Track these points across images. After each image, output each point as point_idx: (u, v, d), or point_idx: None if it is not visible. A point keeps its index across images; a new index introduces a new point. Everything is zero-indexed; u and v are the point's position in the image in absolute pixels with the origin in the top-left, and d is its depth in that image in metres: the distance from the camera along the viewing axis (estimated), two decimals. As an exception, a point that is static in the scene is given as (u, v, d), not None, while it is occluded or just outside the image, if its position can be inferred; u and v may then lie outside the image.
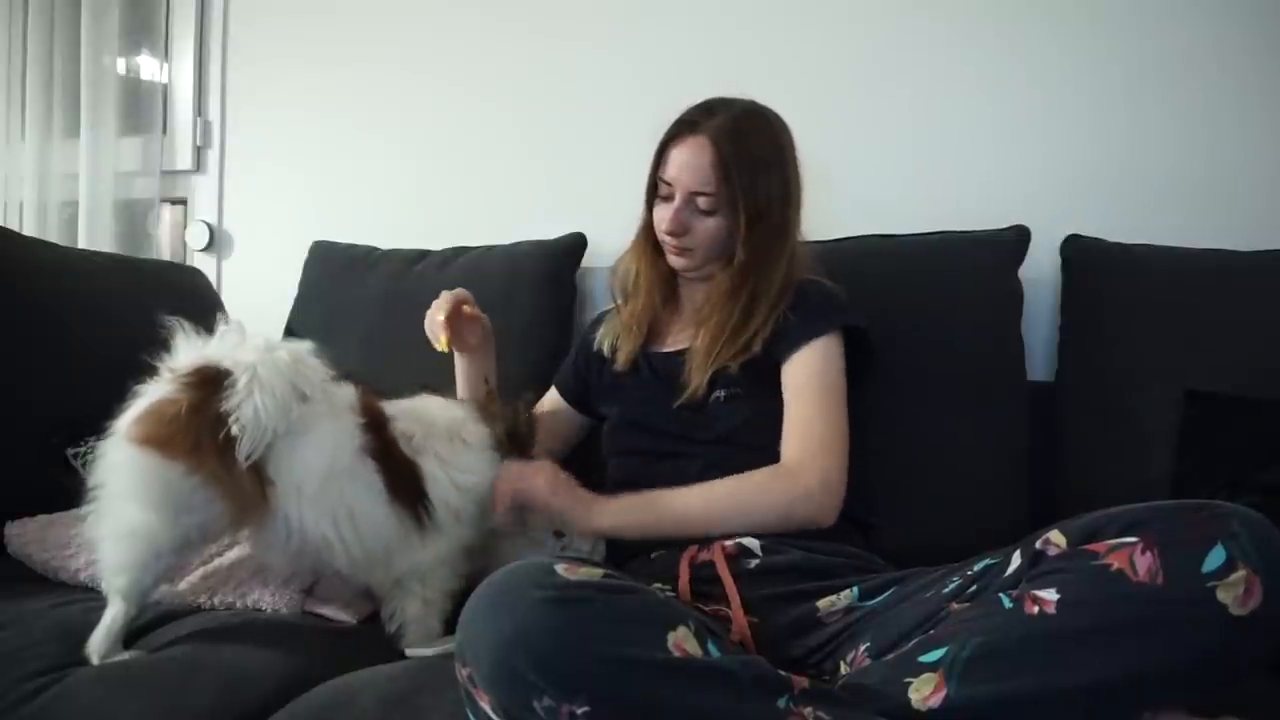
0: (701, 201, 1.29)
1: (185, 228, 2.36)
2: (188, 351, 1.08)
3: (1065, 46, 1.69)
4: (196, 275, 2.05)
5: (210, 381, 1.03)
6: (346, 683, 1.02)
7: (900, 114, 1.76)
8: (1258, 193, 1.57)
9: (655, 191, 1.35)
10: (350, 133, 2.19)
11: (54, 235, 2.33)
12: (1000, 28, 1.72)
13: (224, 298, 2.07)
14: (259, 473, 1.04)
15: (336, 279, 1.95)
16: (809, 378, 1.25)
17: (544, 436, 1.40)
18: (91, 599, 1.24)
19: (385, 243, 1.98)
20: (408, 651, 1.14)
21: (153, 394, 1.06)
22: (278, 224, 2.26)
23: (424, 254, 1.91)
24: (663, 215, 1.32)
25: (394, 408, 1.19)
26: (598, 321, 1.51)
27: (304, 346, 1.11)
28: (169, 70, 2.37)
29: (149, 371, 1.10)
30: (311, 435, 1.07)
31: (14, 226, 2.20)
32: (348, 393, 1.13)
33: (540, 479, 1.20)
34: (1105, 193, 1.65)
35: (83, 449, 1.57)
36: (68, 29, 2.37)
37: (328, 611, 1.25)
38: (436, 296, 1.80)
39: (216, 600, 1.26)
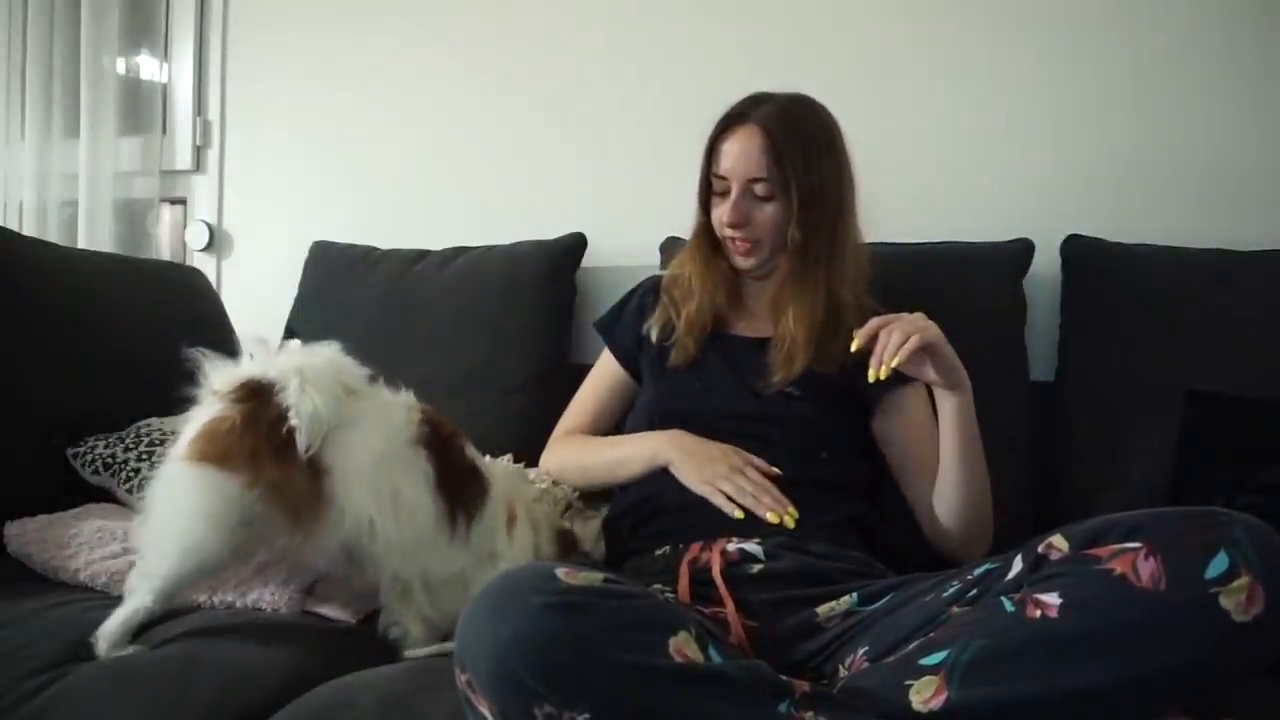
0: (758, 188, 1.28)
1: (185, 228, 2.36)
2: (224, 373, 1.12)
3: (1066, 48, 1.69)
4: (196, 275, 2.05)
5: (257, 393, 1.08)
6: (346, 683, 1.02)
7: (901, 115, 1.76)
8: (1258, 193, 1.57)
9: (710, 190, 1.34)
10: (350, 133, 2.19)
11: (54, 235, 2.33)
12: (1001, 31, 1.72)
13: (224, 298, 2.06)
14: (316, 464, 1.08)
15: (336, 279, 1.95)
16: (925, 411, 1.29)
17: (609, 421, 1.46)
18: (91, 598, 1.24)
19: (385, 243, 1.98)
20: (406, 653, 1.14)
21: (202, 415, 1.10)
22: (278, 224, 2.26)
23: (424, 254, 1.91)
24: (722, 210, 1.31)
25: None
26: (654, 292, 1.46)
27: (334, 348, 1.16)
28: (169, 70, 2.36)
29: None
30: (366, 422, 1.12)
31: (14, 226, 2.20)
32: (403, 395, 1.19)
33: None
34: (1105, 193, 1.65)
35: (82, 449, 1.57)
36: (68, 29, 2.36)
37: (328, 611, 1.25)
38: (436, 296, 1.81)
39: (216, 599, 1.26)
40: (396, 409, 1.16)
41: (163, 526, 1.10)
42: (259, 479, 1.06)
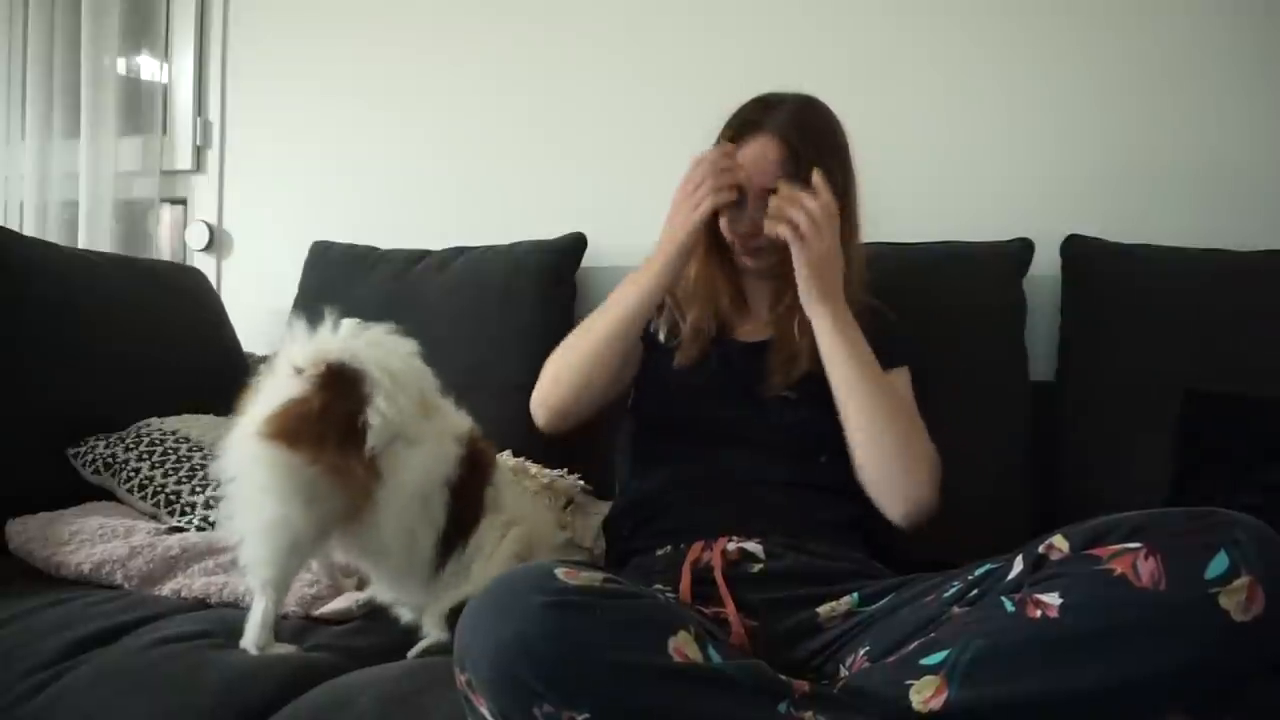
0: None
1: (185, 228, 2.36)
2: (307, 345, 1.11)
3: (1066, 48, 1.69)
4: (196, 275, 2.05)
5: (342, 381, 1.08)
6: (346, 683, 1.02)
7: (901, 115, 1.76)
8: (1258, 193, 1.58)
9: None
10: (350, 133, 2.19)
11: (54, 235, 2.33)
12: (1002, 32, 1.73)
13: (224, 298, 2.07)
14: (374, 466, 1.08)
15: (336, 279, 1.95)
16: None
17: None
18: (93, 595, 1.24)
19: (385, 243, 1.98)
20: (409, 653, 1.14)
21: (281, 391, 1.09)
22: (278, 224, 2.26)
23: (424, 254, 1.91)
24: (734, 218, 1.30)
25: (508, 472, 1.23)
26: None
27: (413, 349, 1.15)
28: (169, 70, 2.36)
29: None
30: (422, 448, 1.12)
31: (14, 226, 2.19)
32: (465, 423, 1.19)
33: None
34: (1105, 193, 1.65)
35: (82, 449, 1.57)
36: (68, 29, 2.37)
37: (330, 612, 1.25)
38: (436, 296, 1.81)
39: (217, 599, 1.26)
40: (449, 442, 1.15)
41: (244, 508, 1.11)
42: (319, 459, 1.06)
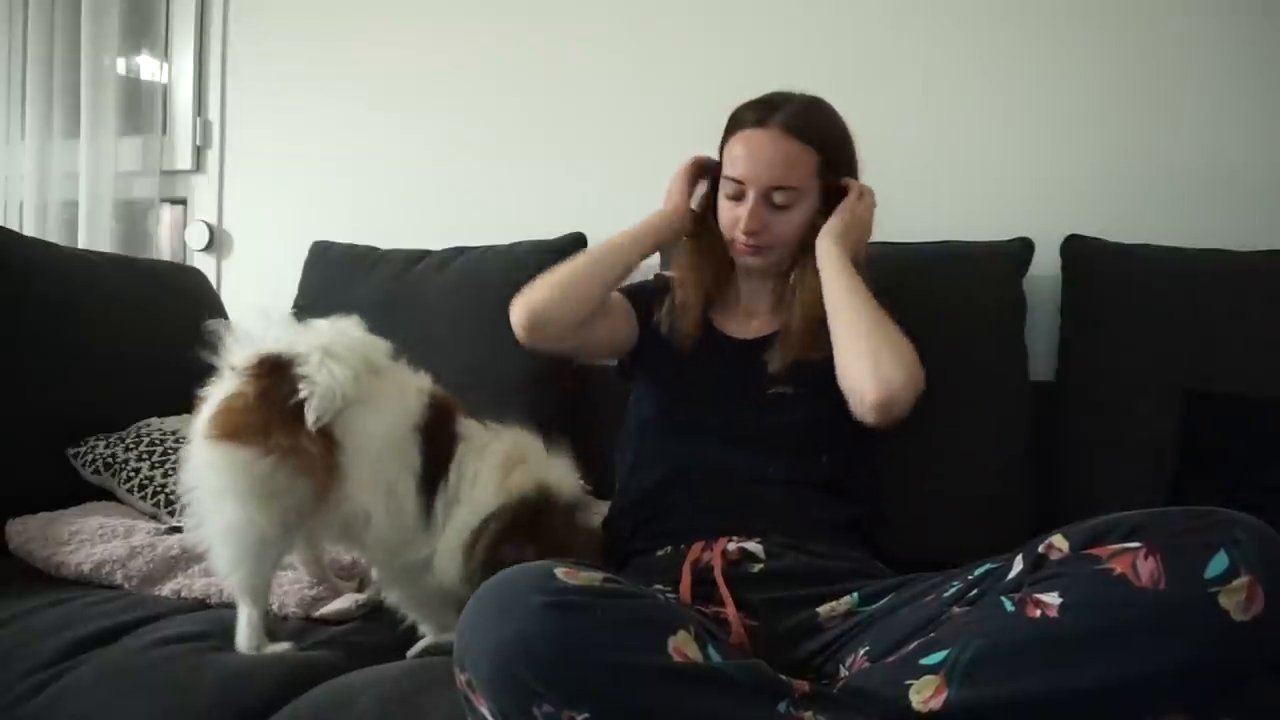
0: (778, 196, 1.27)
1: (185, 228, 2.36)
2: (245, 348, 1.12)
3: (1066, 48, 1.69)
4: (196, 275, 2.05)
5: (274, 369, 1.09)
6: (346, 682, 1.02)
7: (901, 115, 1.76)
8: (1258, 193, 1.57)
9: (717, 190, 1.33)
10: (350, 133, 2.19)
11: (54, 235, 2.33)
12: (1002, 32, 1.72)
13: (224, 298, 2.07)
14: (329, 436, 1.08)
15: (336, 279, 1.95)
16: None
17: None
18: (93, 595, 1.24)
19: (385, 243, 1.98)
20: (408, 653, 1.14)
21: (219, 392, 1.11)
22: (278, 224, 2.26)
23: (424, 254, 1.91)
24: (735, 215, 1.29)
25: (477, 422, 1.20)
26: (663, 290, 1.44)
27: (357, 324, 1.16)
28: (169, 70, 2.36)
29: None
30: (380, 404, 1.12)
31: (14, 226, 2.19)
32: (424, 379, 1.19)
33: None
34: (1105, 193, 1.65)
35: (82, 449, 1.57)
36: (68, 29, 2.36)
37: (330, 612, 1.25)
38: (436, 296, 1.81)
39: (217, 600, 1.26)
40: (411, 393, 1.15)
41: (204, 514, 1.11)
42: (269, 448, 1.06)
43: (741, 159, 1.28)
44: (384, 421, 1.12)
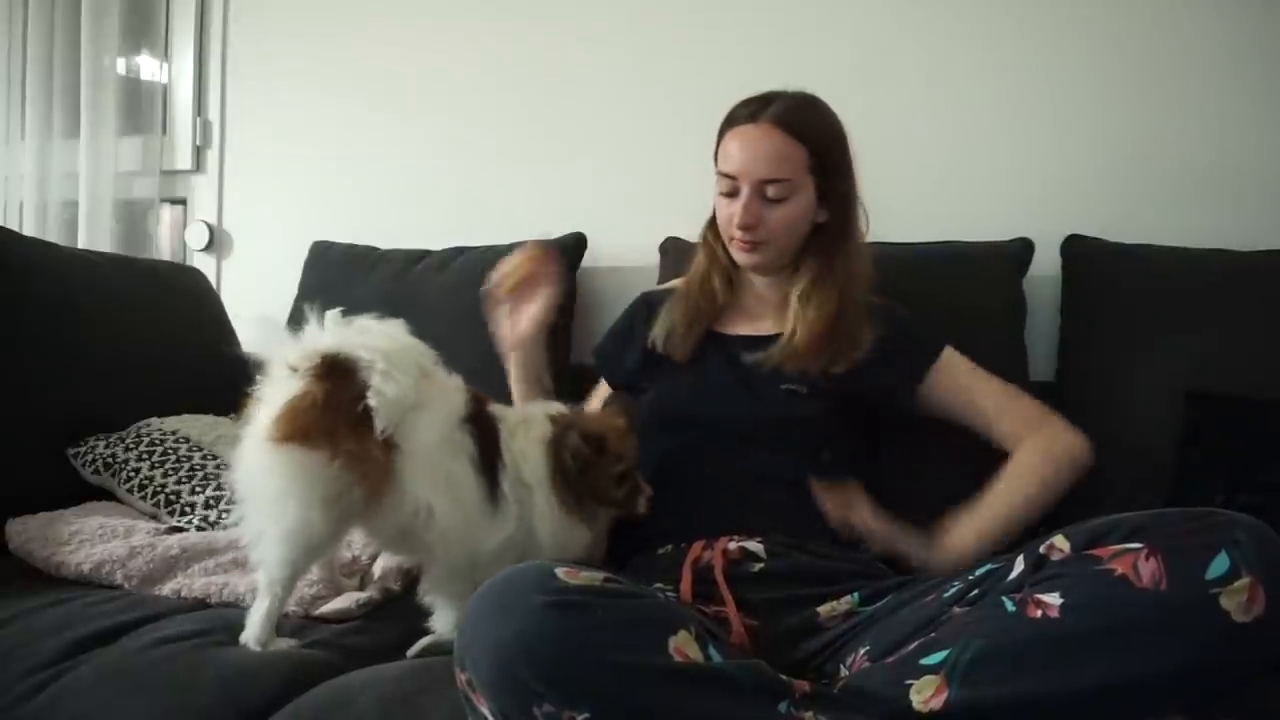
0: (771, 190, 1.26)
1: (185, 228, 2.36)
2: (300, 346, 1.11)
3: (1067, 48, 1.69)
4: (196, 275, 2.05)
5: (336, 369, 1.08)
6: (346, 682, 1.02)
7: (901, 115, 1.76)
8: (1258, 193, 1.57)
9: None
10: (350, 133, 2.19)
11: (54, 235, 2.33)
12: (1002, 31, 1.73)
13: (224, 298, 2.07)
14: (388, 440, 1.08)
15: (336, 279, 1.95)
16: (969, 372, 1.33)
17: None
18: (92, 595, 1.24)
19: (385, 243, 1.98)
20: (409, 652, 1.14)
21: (281, 392, 1.08)
22: (278, 224, 2.26)
23: (424, 254, 1.91)
24: (730, 210, 1.29)
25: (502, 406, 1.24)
26: (646, 305, 1.46)
27: (404, 329, 1.16)
28: (169, 70, 2.36)
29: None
30: (431, 405, 1.13)
31: (14, 226, 2.19)
32: (456, 378, 1.20)
33: (865, 511, 1.23)
34: (1106, 193, 1.65)
35: (82, 449, 1.57)
36: (68, 29, 2.36)
37: (330, 611, 1.25)
38: (436, 296, 1.81)
39: (217, 599, 1.26)
40: (454, 392, 1.17)
41: (261, 514, 1.10)
42: (337, 452, 1.06)
43: (733, 154, 1.28)
44: (437, 419, 1.13)
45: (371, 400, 1.06)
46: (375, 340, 1.10)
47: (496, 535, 1.13)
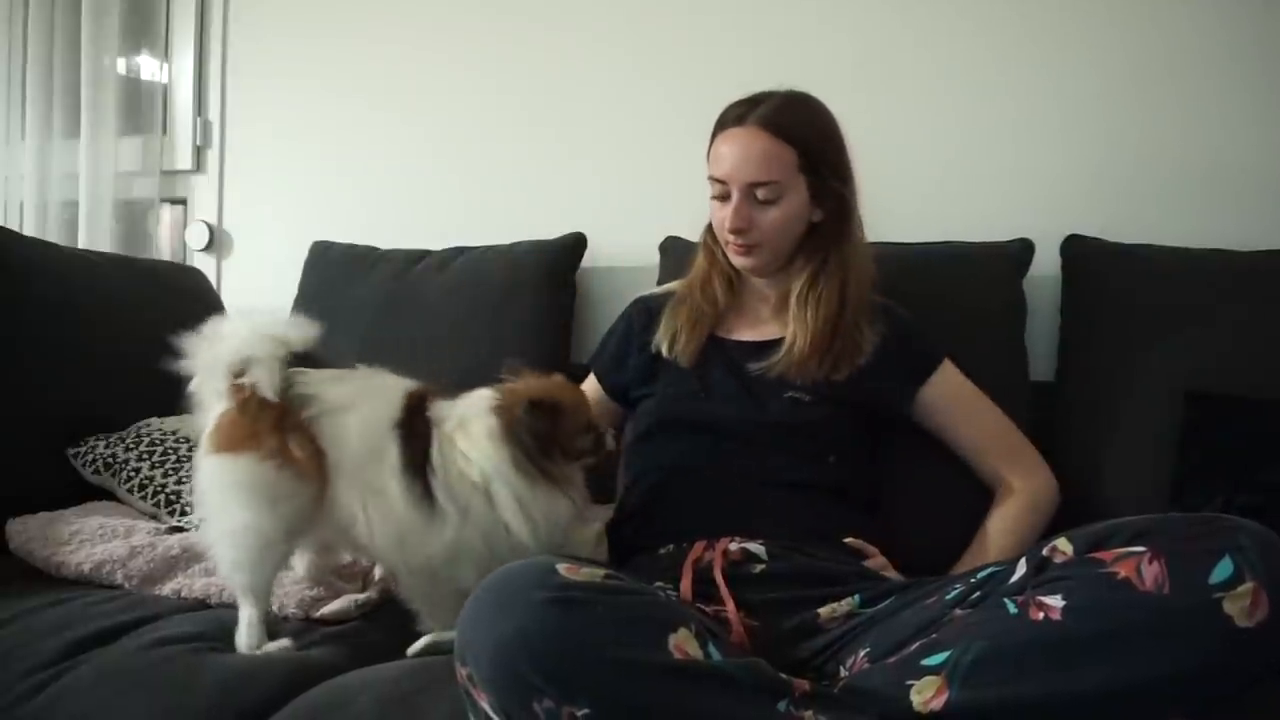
0: (760, 192, 1.26)
1: (185, 228, 2.36)
2: (205, 365, 1.19)
3: (1067, 47, 1.69)
4: (196, 275, 2.05)
5: (239, 380, 1.15)
6: (346, 682, 1.02)
7: (902, 115, 1.76)
8: (1259, 193, 1.57)
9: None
10: (350, 133, 2.19)
11: (54, 235, 2.33)
12: (1003, 31, 1.72)
13: (224, 298, 2.07)
14: (314, 442, 1.13)
15: (336, 279, 1.95)
16: (964, 394, 1.34)
17: None
18: (93, 595, 1.24)
19: (385, 243, 1.98)
20: (409, 651, 1.14)
21: (212, 410, 1.19)
22: (278, 224, 2.26)
23: (424, 254, 1.91)
24: (722, 215, 1.29)
25: (440, 399, 1.21)
26: (644, 311, 1.45)
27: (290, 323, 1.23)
28: (169, 70, 2.36)
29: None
30: (357, 409, 1.16)
31: (14, 226, 2.19)
32: (403, 380, 1.21)
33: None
34: (1106, 193, 1.65)
35: (82, 449, 1.57)
36: (68, 29, 2.36)
37: (330, 612, 1.25)
38: (436, 296, 1.81)
39: (217, 600, 1.26)
40: (390, 393, 1.18)
41: (211, 522, 1.17)
42: (263, 452, 1.12)
43: (722, 158, 1.28)
44: (366, 425, 1.15)
45: (247, 381, 1.13)
46: (246, 346, 1.16)
47: (434, 542, 1.12)
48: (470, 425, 1.15)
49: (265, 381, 1.13)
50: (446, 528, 1.12)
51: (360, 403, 1.16)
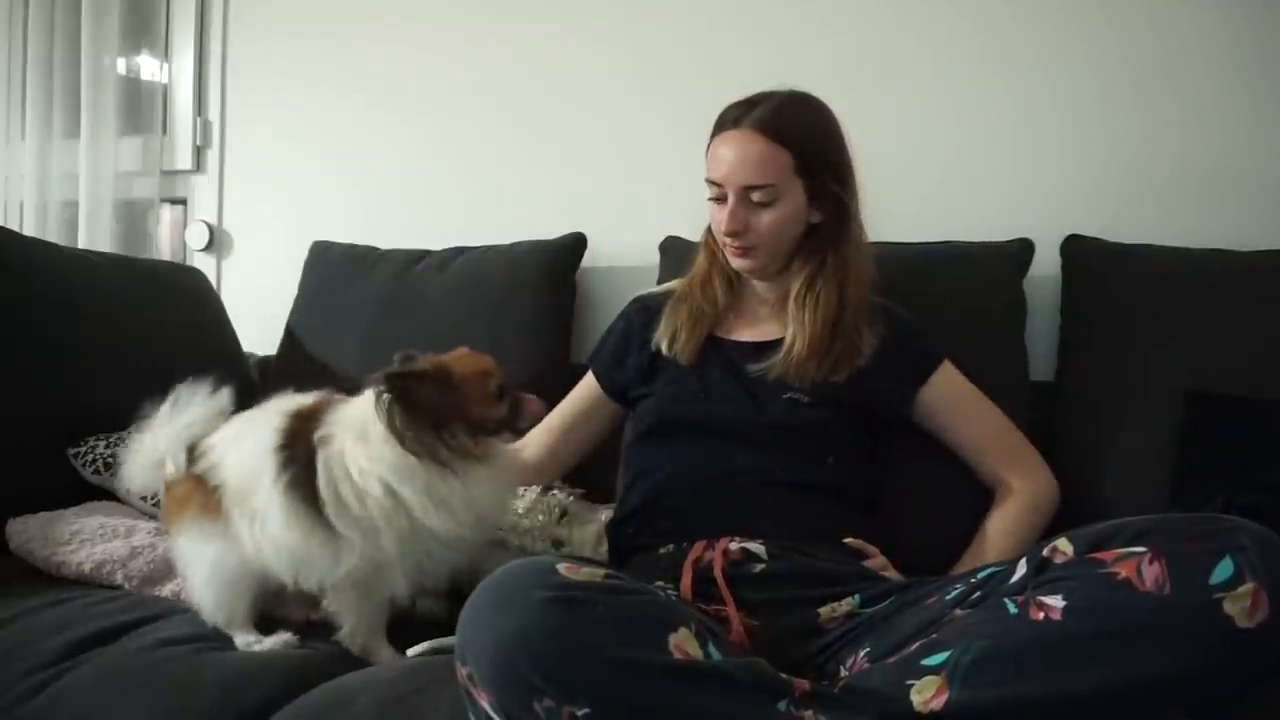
0: (756, 195, 1.26)
1: (185, 228, 2.36)
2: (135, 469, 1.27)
3: (1068, 48, 1.69)
4: (196, 275, 2.05)
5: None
6: (346, 683, 1.02)
7: (902, 115, 1.76)
8: (1259, 193, 1.57)
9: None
10: (350, 133, 2.19)
11: (54, 235, 2.33)
12: (1003, 32, 1.72)
13: (224, 298, 2.07)
14: (218, 491, 1.16)
15: (336, 279, 1.95)
16: (964, 394, 1.34)
17: (578, 437, 1.46)
18: (93, 595, 1.25)
19: (385, 243, 1.98)
20: (409, 652, 1.14)
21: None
22: (278, 224, 2.26)
23: (424, 254, 1.91)
24: (719, 218, 1.29)
25: (337, 409, 1.15)
26: (644, 310, 1.45)
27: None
28: (169, 70, 2.36)
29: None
30: (241, 443, 1.17)
31: (14, 226, 2.19)
32: (297, 399, 1.19)
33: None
34: (1106, 193, 1.65)
35: (82, 449, 1.57)
36: (68, 29, 2.36)
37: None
38: (436, 296, 1.81)
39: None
40: (273, 419, 1.15)
41: (186, 580, 1.24)
42: (189, 515, 1.18)
43: (718, 161, 1.28)
44: (244, 455, 1.15)
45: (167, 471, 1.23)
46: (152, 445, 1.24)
47: (339, 569, 1.09)
48: (369, 430, 1.07)
49: (174, 468, 1.21)
50: (348, 554, 1.08)
51: (242, 436, 1.17)
